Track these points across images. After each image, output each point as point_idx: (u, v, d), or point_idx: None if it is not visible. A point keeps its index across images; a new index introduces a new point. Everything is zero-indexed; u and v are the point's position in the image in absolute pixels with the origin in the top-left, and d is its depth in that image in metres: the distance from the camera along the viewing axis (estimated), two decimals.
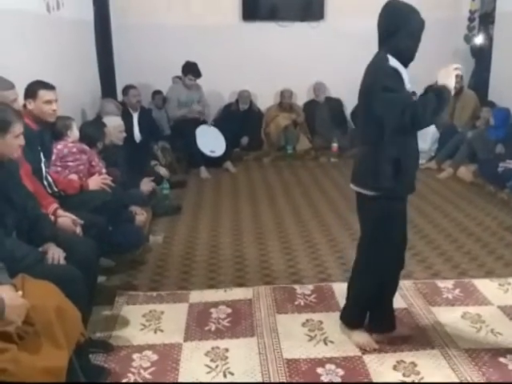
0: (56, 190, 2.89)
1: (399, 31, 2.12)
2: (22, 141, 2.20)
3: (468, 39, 6.44)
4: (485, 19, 6.28)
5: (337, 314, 2.67)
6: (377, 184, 2.19)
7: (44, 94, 2.86)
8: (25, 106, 2.86)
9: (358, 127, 2.40)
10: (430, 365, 2.27)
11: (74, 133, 3.39)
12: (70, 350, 1.82)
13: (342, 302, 2.77)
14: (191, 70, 5.59)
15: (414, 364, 2.28)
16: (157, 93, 5.92)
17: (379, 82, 2.10)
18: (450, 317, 2.63)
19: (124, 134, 4.21)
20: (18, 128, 2.16)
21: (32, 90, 2.86)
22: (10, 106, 2.31)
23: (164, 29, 6.07)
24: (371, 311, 2.44)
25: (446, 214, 4.11)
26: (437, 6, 6.04)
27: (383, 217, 2.23)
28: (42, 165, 2.85)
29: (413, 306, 2.73)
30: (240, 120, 6.17)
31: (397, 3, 2.18)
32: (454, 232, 3.76)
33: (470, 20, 6.51)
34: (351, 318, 2.48)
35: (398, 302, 2.66)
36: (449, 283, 2.97)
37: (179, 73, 5.71)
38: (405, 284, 2.89)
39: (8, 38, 3.31)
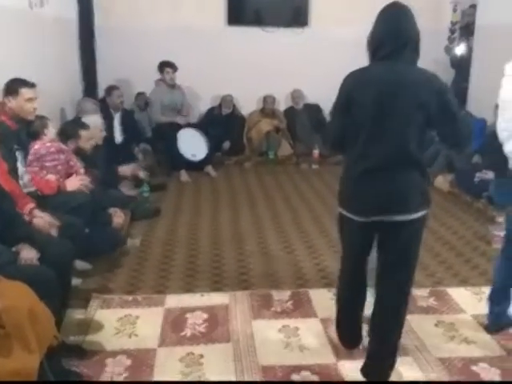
0: (32, 189, 2.85)
1: (419, 38, 2.01)
2: None
3: (448, 50, 6.55)
4: (465, 31, 6.40)
5: (313, 320, 2.69)
6: (427, 200, 2.05)
7: (26, 92, 2.85)
8: (3, 103, 2.82)
9: (397, 150, 1.96)
10: (403, 372, 2.28)
11: (51, 132, 3.33)
12: (41, 353, 1.80)
13: (319, 308, 2.81)
14: (167, 64, 5.60)
15: None
16: (140, 94, 5.88)
17: (454, 102, 1.95)
18: (424, 325, 2.66)
19: (104, 133, 4.17)
20: None
21: (13, 88, 2.84)
22: None
23: (148, 31, 6.03)
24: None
25: None
26: (418, 17, 6.10)
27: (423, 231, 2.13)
28: (19, 164, 2.82)
29: None
30: (222, 124, 6.16)
31: (405, 5, 2.03)
32: (430, 240, 3.79)
33: (451, 31, 6.63)
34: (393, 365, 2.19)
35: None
36: (424, 291, 2.99)
37: None
38: None
39: None
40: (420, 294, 2.97)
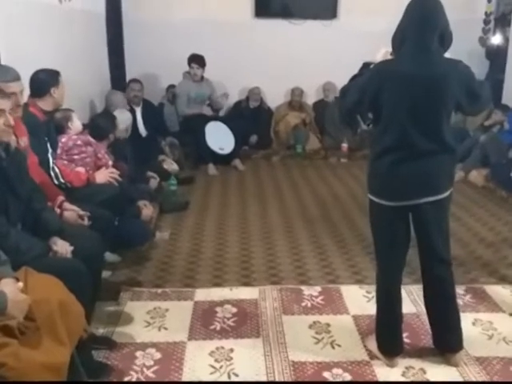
0: (62, 181, 2.86)
1: (447, 29, 2.04)
2: (6, 121, 2.01)
3: (483, 42, 6.37)
4: (501, 21, 6.20)
5: (345, 317, 2.63)
6: (452, 181, 2.19)
7: (62, 80, 2.94)
8: (50, 95, 2.88)
9: (430, 139, 2.05)
10: (439, 372, 2.21)
11: (75, 124, 3.31)
12: (72, 346, 1.78)
13: (350, 304, 2.74)
14: (194, 59, 5.56)
15: (423, 371, 2.22)
16: (171, 86, 5.87)
17: (477, 84, 2.11)
18: (462, 323, 2.56)
19: (129, 132, 4.27)
20: None
21: (55, 79, 2.91)
22: None
23: (176, 23, 6.02)
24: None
25: (456, 218, 4.03)
26: (452, 8, 5.83)
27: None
28: (49, 155, 2.82)
29: (423, 311, 2.65)
30: (250, 117, 6.12)
31: None
32: (465, 237, 3.68)
33: (486, 22, 6.44)
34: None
35: (407, 308, 2.61)
36: (460, 289, 2.88)
37: None
38: (414, 289, 2.83)
39: (20, 28, 3.27)
40: (456, 291, 2.85)
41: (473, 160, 5.09)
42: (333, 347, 2.39)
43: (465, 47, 6.11)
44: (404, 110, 2.02)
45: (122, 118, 4.18)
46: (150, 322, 2.57)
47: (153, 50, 5.97)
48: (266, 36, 6.23)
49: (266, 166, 5.79)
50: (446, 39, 2.05)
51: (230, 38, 6.13)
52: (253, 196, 4.66)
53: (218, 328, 2.53)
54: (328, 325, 2.56)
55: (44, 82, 2.87)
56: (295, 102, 6.30)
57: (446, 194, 2.13)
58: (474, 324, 2.58)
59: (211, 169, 5.37)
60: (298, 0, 6.29)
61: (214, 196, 4.66)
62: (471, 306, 2.75)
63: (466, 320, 2.58)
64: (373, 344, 2.33)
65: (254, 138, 6.11)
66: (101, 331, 2.45)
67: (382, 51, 2.19)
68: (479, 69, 5.73)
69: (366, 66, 2.20)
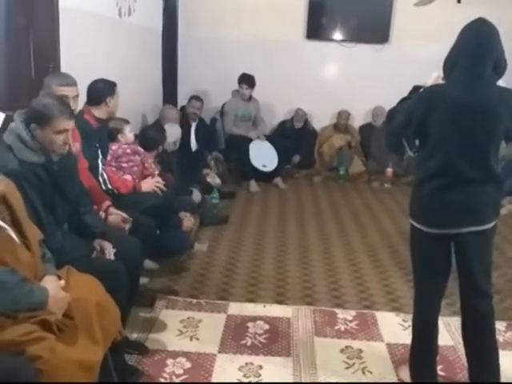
0: (110, 187, 2.96)
1: (502, 57, 1.99)
2: (66, 139, 2.09)
3: None
4: None
5: (379, 344, 2.58)
6: (498, 211, 2.10)
7: (117, 91, 3.07)
8: (105, 104, 3.01)
9: (476, 166, 1.99)
10: None
11: (126, 136, 3.40)
12: (105, 346, 1.82)
13: (385, 332, 2.69)
14: (245, 79, 5.65)
15: None
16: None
17: None
18: (501, 360, 2.46)
19: (176, 146, 4.42)
20: (59, 124, 2.04)
21: (111, 89, 3.03)
22: (65, 101, 2.23)
23: (229, 42, 6.15)
24: None
25: (502, 252, 3.89)
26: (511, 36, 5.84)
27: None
28: (99, 161, 2.93)
29: (460, 344, 2.57)
30: (293, 137, 6.16)
31: (489, 21, 2.01)
32: (510, 271, 3.55)
33: None
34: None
35: (444, 340, 2.53)
36: (501, 325, 2.77)
37: None
38: (453, 321, 2.75)
39: (81, 39, 3.42)
40: (497, 327, 2.74)
41: None
42: (364, 373, 2.34)
43: None
44: (451, 136, 1.98)
45: (172, 131, 4.31)
46: (183, 331, 2.60)
47: (204, 68, 6.12)
48: (317, 58, 6.28)
49: (307, 185, 5.79)
50: (500, 67, 2.00)
51: (280, 58, 6.21)
52: (292, 215, 4.66)
53: (249, 343, 2.52)
54: (360, 350, 2.51)
55: (101, 91, 3.00)
56: (341, 124, 6.29)
57: (491, 225, 2.06)
58: None
59: (253, 185, 5.42)
60: (350, 23, 6.31)
61: (254, 212, 4.69)
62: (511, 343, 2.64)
63: (506, 358, 2.46)
64: (406, 373, 2.27)
65: (296, 158, 6.14)
66: (134, 336, 2.49)
67: (433, 75, 2.17)
68: None
69: (416, 89, 2.18)
